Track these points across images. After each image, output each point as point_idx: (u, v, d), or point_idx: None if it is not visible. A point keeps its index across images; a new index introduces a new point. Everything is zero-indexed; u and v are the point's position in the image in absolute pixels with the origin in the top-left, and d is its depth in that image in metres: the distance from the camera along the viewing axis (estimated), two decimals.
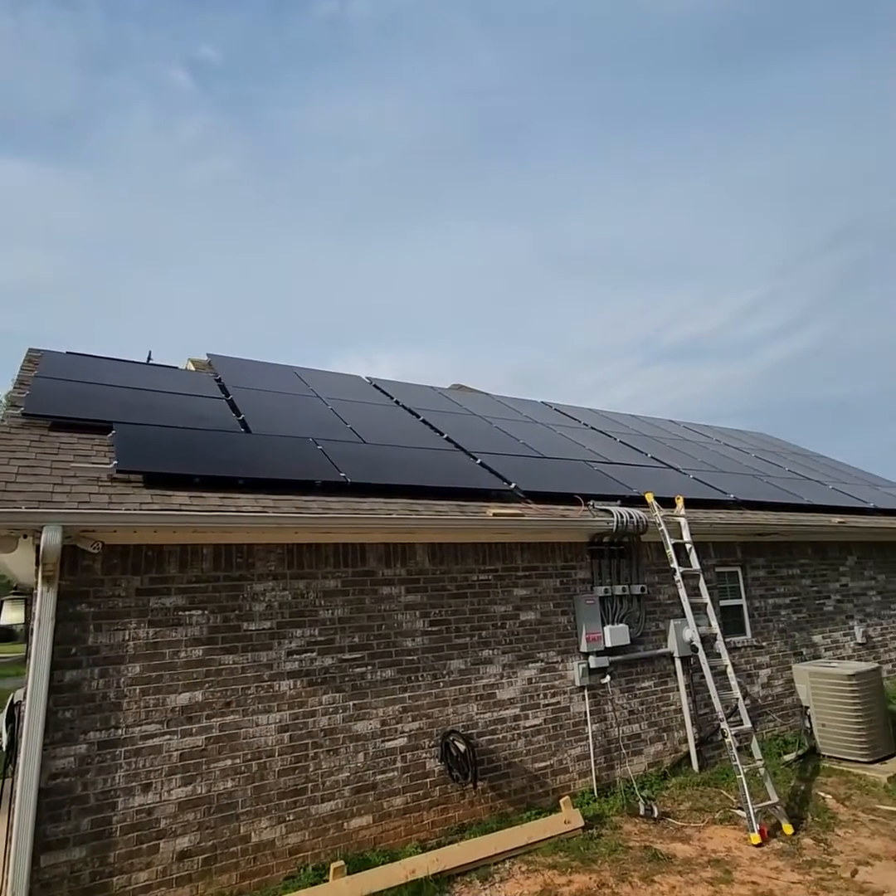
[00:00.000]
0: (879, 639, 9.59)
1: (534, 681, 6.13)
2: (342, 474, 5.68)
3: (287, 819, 4.67)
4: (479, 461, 7.19)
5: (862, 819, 5.61)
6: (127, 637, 4.39)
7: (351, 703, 5.12)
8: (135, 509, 4.33)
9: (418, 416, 8.69)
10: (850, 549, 9.73)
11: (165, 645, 4.49)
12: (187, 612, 4.61)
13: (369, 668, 5.27)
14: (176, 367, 8.58)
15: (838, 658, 8.77)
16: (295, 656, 4.96)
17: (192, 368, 9.04)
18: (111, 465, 4.87)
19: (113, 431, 5.48)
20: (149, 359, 8.73)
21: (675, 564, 6.68)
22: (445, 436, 7.99)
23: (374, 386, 10.09)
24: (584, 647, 6.46)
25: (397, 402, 9.29)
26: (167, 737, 4.38)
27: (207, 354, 9.10)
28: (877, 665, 7.59)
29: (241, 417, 6.62)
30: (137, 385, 7.01)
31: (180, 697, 4.47)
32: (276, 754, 4.73)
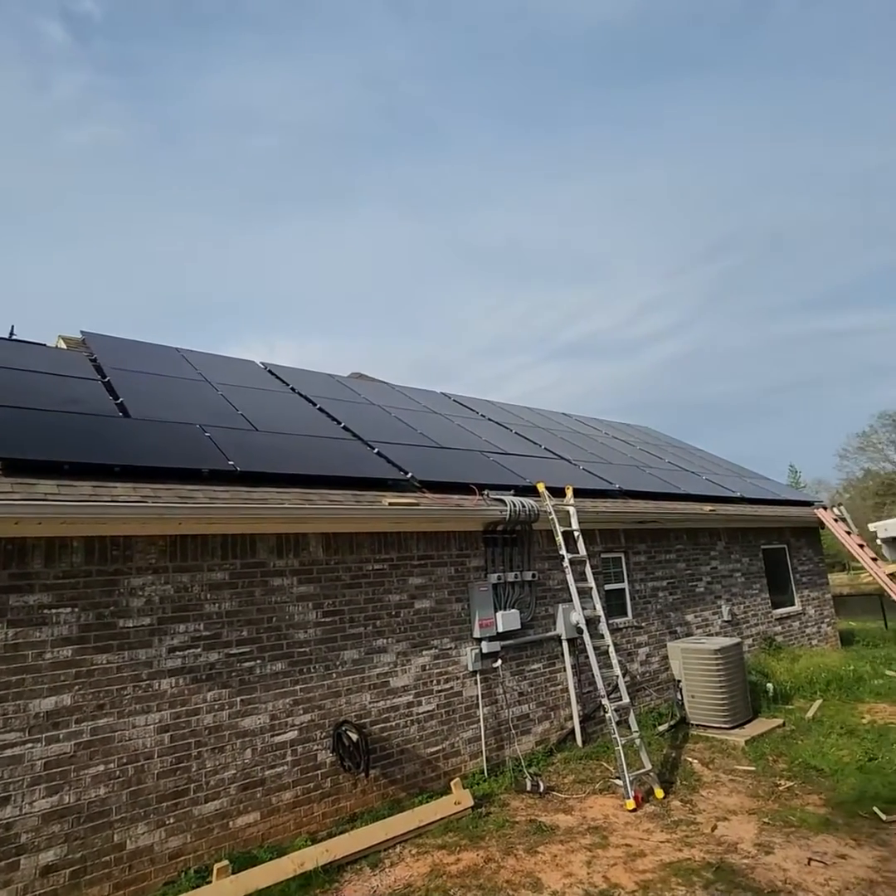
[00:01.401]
0: (743, 616, 10.58)
1: (427, 668, 6.24)
2: (231, 462, 5.48)
3: (167, 822, 4.48)
4: (375, 450, 7.18)
5: (723, 779, 6.19)
6: None
7: (238, 699, 4.97)
8: None
9: (315, 404, 8.53)
10: (720, 534, 10.65)
11: (28, 646, 4.15)
12: (54, 611, 4.29)
13: (259, 661, 5.14)
14: (44, 345, 7.88)
15: (708, 635, 9.58)
16: (177, 653, 4.75)
17: (64, 347, 8.34)
18: None
19: None
20: (11, 334, 7.95)
21: (563, 551, 7.02)
22: (342, 424, 7.90)
23: (269, 372, 9.78)
24: (477, 633, 6.64)
25: (293, 388, 9.07)
26: (29, 745, 4.06)
27: (81, 332, 8.43)
28: (739, 640, 8.38)
29: (119, 401, 6.20)
30: None
31: (45, 702, 4.15)
32: (156, 756, 4.52)
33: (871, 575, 11.17)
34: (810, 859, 4.51)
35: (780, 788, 5.83)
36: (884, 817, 5.08)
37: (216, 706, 4.86)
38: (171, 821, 4.51)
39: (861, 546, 11.20)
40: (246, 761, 4.93)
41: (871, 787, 5.64)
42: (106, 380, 6.79)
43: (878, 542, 10.65)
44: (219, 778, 4.77)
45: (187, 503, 4.68)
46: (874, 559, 10.98)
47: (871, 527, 9.02)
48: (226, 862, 4.38)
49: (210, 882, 4.26)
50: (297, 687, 5.31)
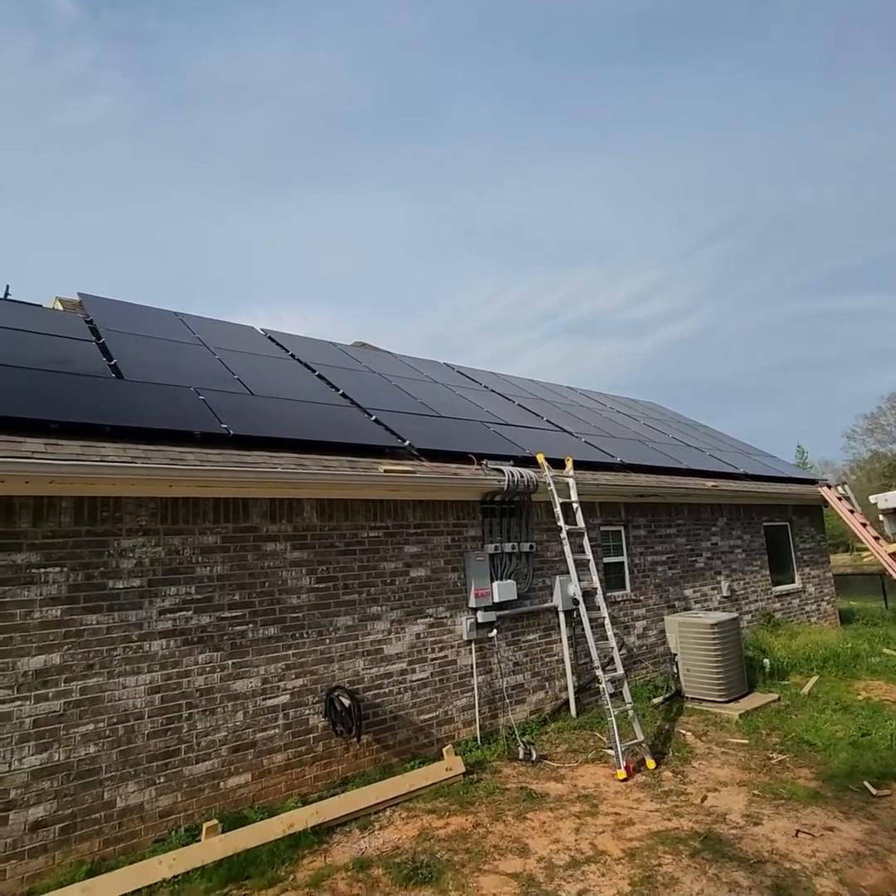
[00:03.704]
0: (742, 592, 10.54)
1: (422, 636, 6.22)
2: (224, 426, 5.40)
3: (157, 782, 4.50)
4: (373, 418, 7.09)
5: (715, 751, 6.19)
6: None
7: (230, 662, 4.97)
8: None
9: (314, 371, 8.42)
10: (722, 510, 10.56)
11: (15, 605, 4.12)
12: (42, 570, 4.25)
13: (251, 626, 5.12)
14: (40, 306, 7.76)
15: (706, 610, 9.55)
16: (168, 615, 4.73)
17: (60, 308, 8.22)
18: None
19: None
20: (6, 294, 7.83)
21: (561, 523, 6.94)
22: (341, 391, 7.80)
23: (269, 338, 9.65)
24: (472, 603, 6.62)
25: (293, 355, 8.95)
26: (18, 703, 4.05)
27: (79, 294, 8.30)
28: (736, 615, 8.34)
29: (112, 362, 6.10)
30: None
31: (34, 660, 4.14)
32: (146, 716, 4.52)
33: (873, 554, 11.09)
34: (798, 831, 4.50)
35: (772, 761, 5.83)
36: (874, 792, 5.06)
37: (207, 669, 4.85)
38: (162, 780, 4.53)
39: (864, 525, 11.09)
40: (237, 724, 4.94)
41: (862, 762, 5.62)
42: (100, 341, 6.68)
43: (880, 518, 10.52)
44: (210, 739, 4.78)
45: (177, 465, 4.61)
46: (876, 538, 10.88)
47: (872, 498, 8.88)
48: (215, 821, 4.41)
49: (199, 840, 4.29)
50: (290, 651, 5.30)
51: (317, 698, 5.39)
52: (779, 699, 7.67)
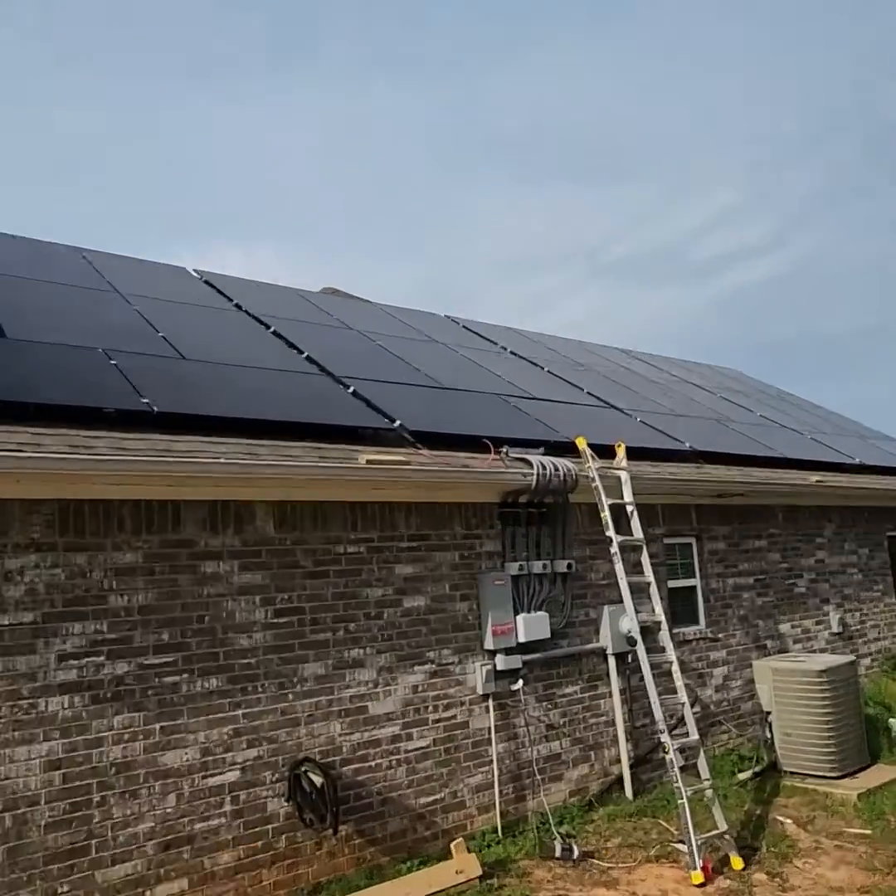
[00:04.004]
0: (858, 627, 10.52)
1: (421, 689, 6.20)
2: (145, 400, 5.39)
3: (59, 891, 4.47)
4: (351, 389, 7.11)
5: (825, 846, 6.16)
6: None
7: (158, 726, 4.93)
8: None
9: (269, 327, 8.46)
10: (829, 515, 10.52)
11: None
12: None
13: (185, 676, 5.09)
14: None
15: (809, 651, 9.52)
16: (71, 662, 4.69)
17: None
18: None
19: None
20: None
21: (611, 532, 6.87)
22: (306, 355, 7.83)
23: (206, 282, 9.69)
24: (489, 644, 6.58)
25: (239, 305, 8.98)
26: None
27: None
28: (852, 658, 8.32)
29: None
30: None
31: None
32: (43, 801, 4.48)
33: None
34: None
35: None
36: None
37: (127, 735, 4.82)
38: (65, 889, 4.49)
39: None
40: (168, 811, 4.90)
41: None
42: None
43: None
44: (131, 832, 4.75)
45: (80, 454, 4.56)
46: None
47: None
48: None
49: None
50: (240, 711, 5.27)
51: (277, 775, 5.36)
52: None
